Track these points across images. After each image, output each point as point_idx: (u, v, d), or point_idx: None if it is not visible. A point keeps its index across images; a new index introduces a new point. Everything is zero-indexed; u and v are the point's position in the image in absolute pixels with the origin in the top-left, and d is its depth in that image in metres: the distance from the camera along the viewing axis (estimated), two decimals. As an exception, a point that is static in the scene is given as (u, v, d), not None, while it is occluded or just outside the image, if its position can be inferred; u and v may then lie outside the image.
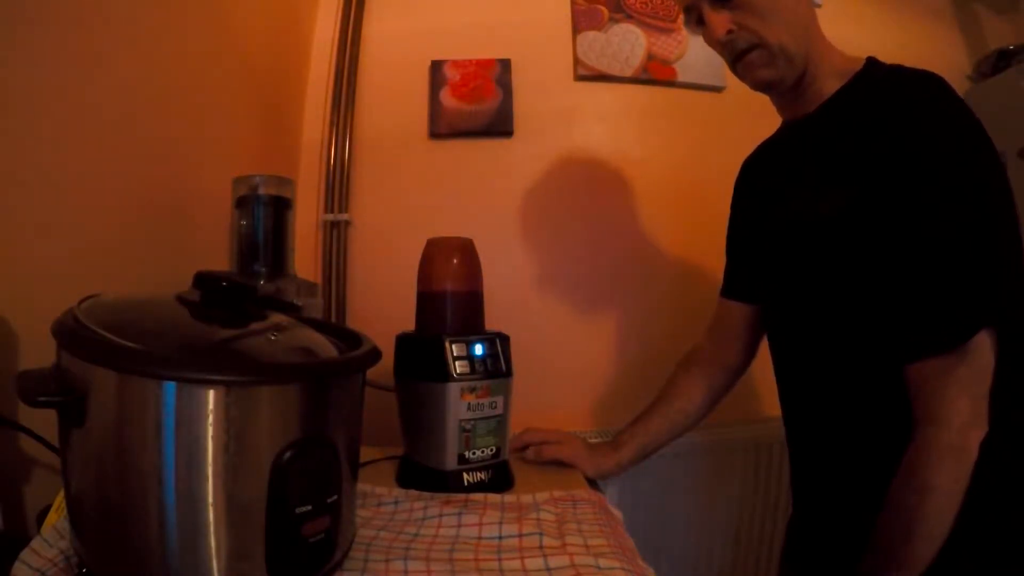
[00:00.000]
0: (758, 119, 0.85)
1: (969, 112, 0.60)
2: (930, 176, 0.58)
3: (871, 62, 0.70)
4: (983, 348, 0.56)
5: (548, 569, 0.51)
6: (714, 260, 0.96)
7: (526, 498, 0.67)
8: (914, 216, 0.58)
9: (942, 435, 0.56)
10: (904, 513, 0.58)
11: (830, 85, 0.70)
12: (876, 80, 0.67)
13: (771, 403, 0.81)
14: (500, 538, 0.57)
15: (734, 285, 0.90)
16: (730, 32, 0.69)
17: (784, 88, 0.72)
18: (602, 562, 0.52)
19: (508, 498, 0.67)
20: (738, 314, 0.88)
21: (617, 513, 0.68)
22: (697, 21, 0.73)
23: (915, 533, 0.57)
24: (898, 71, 0.66)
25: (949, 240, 0.57)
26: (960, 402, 0.56)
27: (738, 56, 0.71)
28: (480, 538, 0.57)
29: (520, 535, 0.57)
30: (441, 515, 0.61)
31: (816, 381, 0.72)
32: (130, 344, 0.37)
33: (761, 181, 0.83)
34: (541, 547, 0.54)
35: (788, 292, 0.75)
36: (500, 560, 0.53)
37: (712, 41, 0.72)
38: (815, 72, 0.71)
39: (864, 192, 0.62)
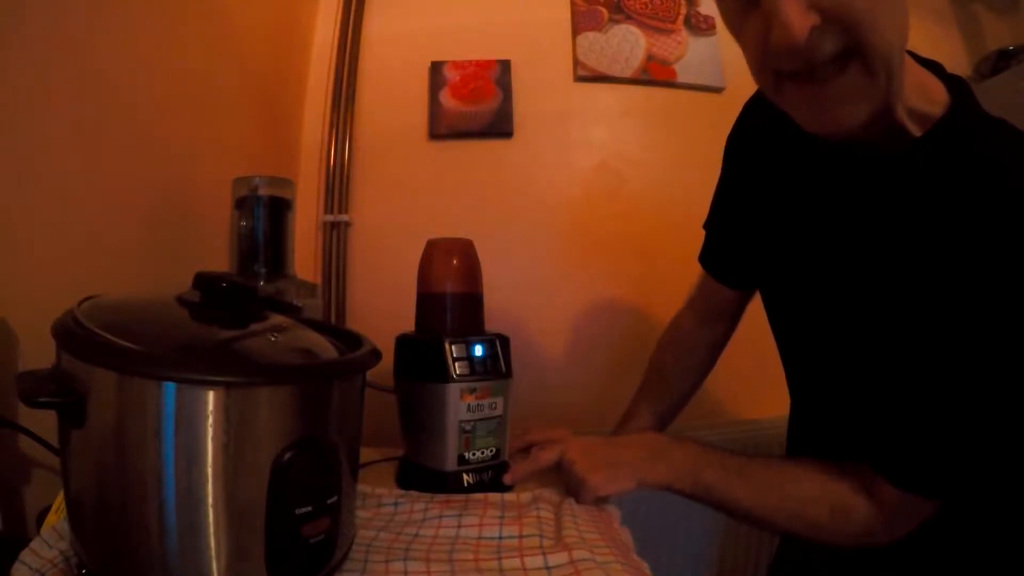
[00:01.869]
0: (758, 120, 0.84)
1: None
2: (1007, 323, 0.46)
3: (956, 102, 0.50)
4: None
5: (548, 568, 0.51)
6: (714, 261, 0.96)
7: (525, 496, 0.67)
8: (972, 358, 0.48)
9: (877, 520, 0.54)
10: (789, 503, 0.57)
11: (909, 120, 0.50)
12: (968, 151, 0.49)
13: (770, 403, 0.81)
14: (500, 538, 0.57)
15: (725, 268, 0.81)
16: (813, 29, 0.41)
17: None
18: (599, 557, 0.52)
19: (508, 497, 0.67)
20: (727, 296, 0.83)
21: (613, 510, 0.68)
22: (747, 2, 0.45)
23: (768, 510, 0.57)
24: (995, 144, 0.50)
25: (990, 401, 0.48)
26: (904, 522, 0.54)
27: (811, 74, 0.44)
28: (480, 538, 0.57)
29: (520, 536, 0.57)
30: (441, 516, 0.61)
31: (826, 380, 0.67)
32: (130, 345, 0.37)
33: (783, 175, 0.65)
34: (540, 546, 0.55)
35: (802, 311, 0.67)
36: (500, 559, 0.53)
37: (774, 44, 0.43)
38: (900, 95, 0.48)
39: (928, 292, 0.51)
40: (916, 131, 0.50)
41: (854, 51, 0.43)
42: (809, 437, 0.74)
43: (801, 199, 0.63)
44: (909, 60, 0.50)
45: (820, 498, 0.56)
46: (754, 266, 0.73)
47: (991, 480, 0.51)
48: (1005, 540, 0.57)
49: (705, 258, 0.84)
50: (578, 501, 0.65)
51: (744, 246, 0.74)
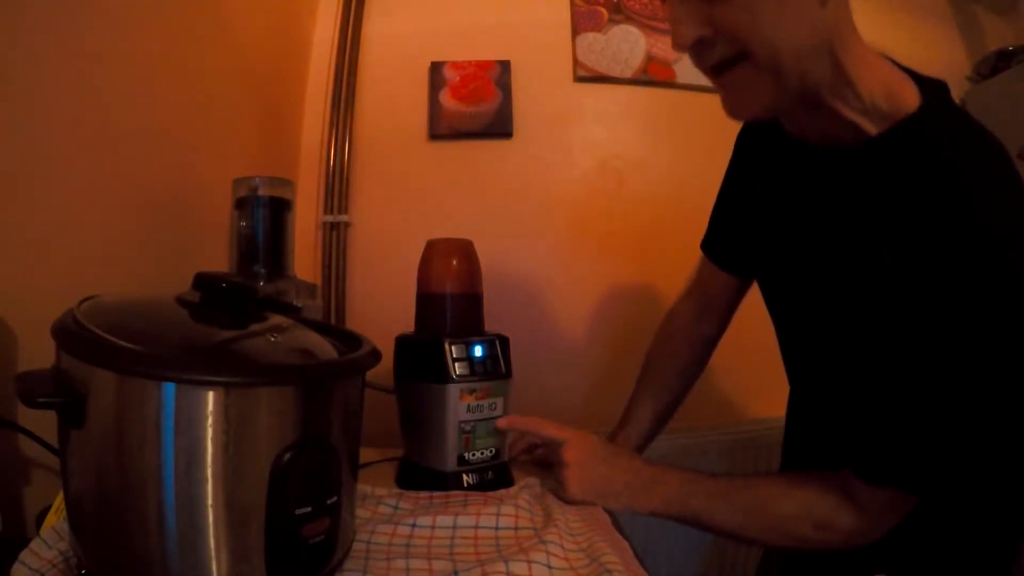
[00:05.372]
0: (757, 120, 0.84)
1: None
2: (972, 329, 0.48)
3: (924, 105, 0.52)
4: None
5: (544, 542, 0.53)
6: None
7: (514, 490, 0.69)
8: (940, 356, 0.49)
9: (862, 523, 0.55)
10: (767, 519, 0.59)
11: (866, 119, 0.53)
12: (927, 150, 0.51)
13: (769, 403, 0.81)
14: (497, 528, 0.58)
15: (724, 252, 0.82)
16: (700, 41, 0.50)
17: (779, 115, 0.56)
18: (582, 541, 0.55)
19: (503, 492, 0.68)
20: (724, 284, 0.83)
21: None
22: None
23: (746, 528, 0.59)
24: (957, 143, 0.51)
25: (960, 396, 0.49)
26: (889, 518, 0.55)
27: (714, 69, 0.52)
28: (477, 527, 0.58)
29: (516, 528, 0.58)
30: (438, 513, 0.61)
31: (836, 364, 0.66)
32: (130, 345, 0.37)
33: (775, 170, 0.68)
34: (536, 534, 0.56)
35: (792, 307, 0.70)
36: (500, 550, 0.54)
37: (678, 46, 0.51)
38: (839, 94, 0.52)
39: (880, 286, 0.53)
40: (872, 130, 0.53)
41: (744, 55, 0.49)
42: (804, 422, 0.75)
43: (786, 193, 0.66)
44: (879, 63, 0.54)
45: (803, 514, 0.58)
46: (750, 253, 0.75)
47: (961, 469, 0.51)
48: (984, 528, 0.59)
49: (707, 243, 0.86)
50: (554, 494, 0.67)
51: (742, 233, 0.76)
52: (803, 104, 0.53)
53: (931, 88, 0.54)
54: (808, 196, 0.62)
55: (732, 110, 0.55)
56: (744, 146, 0.78)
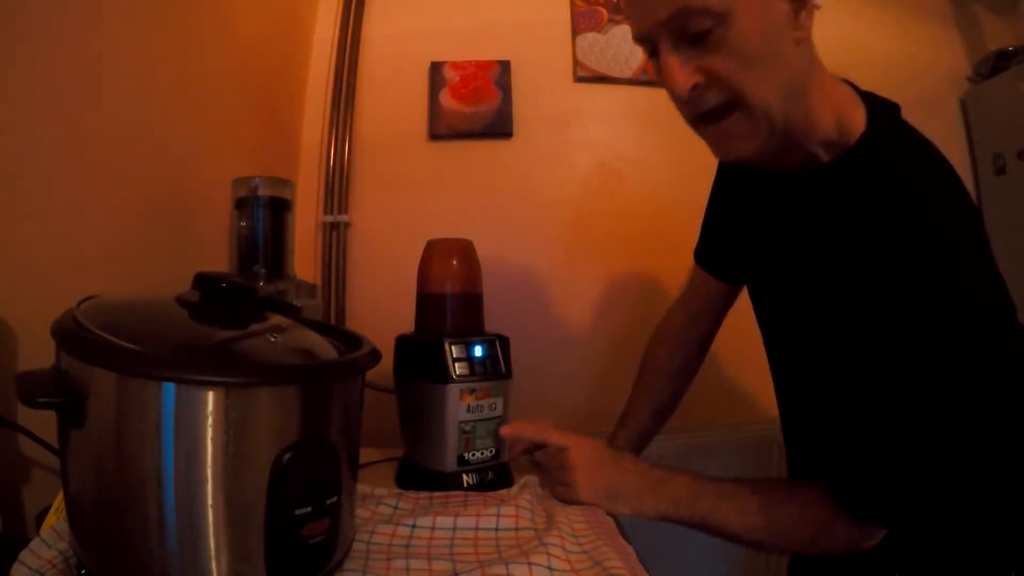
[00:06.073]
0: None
1: (973, 224, 0.53)
2: (920, 333, 0.50)
3: (867, 132, 0.55)
4: None
5: (544, 544, 0.53)
6: (714, 261, 0.96)
7: (515, 490, 0.69)
8: (896, 372, 0.51)
9: (855, 531, 0.56)
10: (768, 523, 0.59)
11: (821, 149, 0.57)
12: (866, 176, 0.54)
13: (770, 403, 0.81)
14: (497, 530, 0.58)
15: (714, 260, 0.85)
16: (695, 88, 0.51)
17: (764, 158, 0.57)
18: (585, 544, 0.55)
19: (502, 493, 0.68)
20: (715, 289, 0.86)
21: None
22: (651, 53, 0.55)
23: (746, 530, 0.60)
24: (895, 163, 0.54)
25: (923, 414, 0.51)
26: (878, 531, 0.56)
27: (705, 117, 0.54)
28: (477, 528, 0.58)
29: (516, 528, 0.58)
30: (438, 513, 0.61)
31: (810, 381, 0.69)
32: (129, 345, 0.37)
33: (752, 190, 0.72)
34: (537, 536, 0.56)
35: (773, 317, 0.72)
36: (500, 551, 0.54)
37: (670, 93, 0.54)
38: (806, 131, 0.55)
39: (832, 305, 0.56)
40: (826, 158, 0.57)
41: (736, 103, 0.52)
42: (795, 430, 0.75)
43: (761, 213, 0.70)
44: (837, 90, 0.57)
45: (804, 521, 0.59)
46: (735, 263, 0.78)
47: (931, 498, 0.53)
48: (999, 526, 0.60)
49: (698, 252, 0.88)
50: (556, 497, 0.67)
51: (727, 245, 0.79)
52: (779, 143, 0.55)
53: (879, 113, 0.57)
54: (778, 217, 0.66)
55: (722, 155, 0.58)
56: (725, 167, 0.81)
